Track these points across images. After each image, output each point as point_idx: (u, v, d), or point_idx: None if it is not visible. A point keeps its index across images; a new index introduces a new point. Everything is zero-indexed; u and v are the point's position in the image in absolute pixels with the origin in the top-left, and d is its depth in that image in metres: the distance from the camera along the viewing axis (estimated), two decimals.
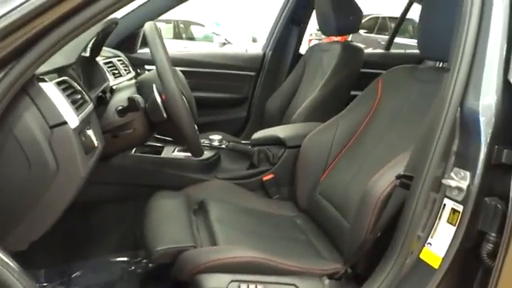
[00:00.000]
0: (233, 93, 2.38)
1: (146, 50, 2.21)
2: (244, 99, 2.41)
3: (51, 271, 1.33)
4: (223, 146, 1.61)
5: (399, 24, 2.74)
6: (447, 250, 0.86)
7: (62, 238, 1.35)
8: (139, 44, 2.19)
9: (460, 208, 0.86)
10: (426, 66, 1.30)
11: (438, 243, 0.89)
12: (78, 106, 0.80)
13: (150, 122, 1.04)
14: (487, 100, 0.84)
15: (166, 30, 8.80)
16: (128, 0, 0.75)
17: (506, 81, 0.84)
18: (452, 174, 0.88)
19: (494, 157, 0.83)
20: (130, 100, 1.00)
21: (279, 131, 1.63)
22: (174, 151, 1.56)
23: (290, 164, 1.55)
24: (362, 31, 7.11)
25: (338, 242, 1.24)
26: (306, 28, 2.37)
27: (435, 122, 0.89)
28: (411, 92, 1.31)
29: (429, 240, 0.91)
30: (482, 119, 0.84)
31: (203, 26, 9.19)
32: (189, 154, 1.55)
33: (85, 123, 0.80)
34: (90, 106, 0.87)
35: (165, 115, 1.02)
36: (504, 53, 0.84)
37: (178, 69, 2.24)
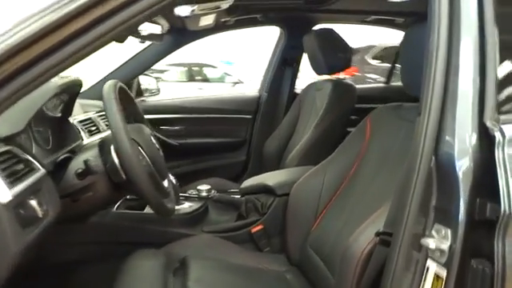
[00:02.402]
0: (231, 137, 2.35)
1: (141, 100, 2.24)
2: (243, 142, 2.36)
3: None
4: (208, 196, 1.54)
5: (397, 55, 2.68)
6: None
7: None
8: (134, 95, 2.20)
9: (444, 272, 0.75)
10: (410, 105, 1.22)
11: None
12: (18, 176, 0.76)
13: (113, 183, 0.99)
14: (463, 146, 0.75)
15: (181, 74, 9.07)
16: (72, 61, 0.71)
17: (481, 123, 0.75)
18: (433, 232, 0.77)
19: (477, 211, 0.73)
20: (85, 163, 0.96)
21: (268, 178, 1.56)
22: None
23: (280, 213, 1.46)
24: (374, 61, 7.06)
25: None
26: (298, 68, 2.34)
27: (410, 171, 0.80)
28: (399, 132, 1.22)
29: None
30: (458, 168, 0.74)
31: (215, 67, 9.44)
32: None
33: (25, 194, 0.76)
34: (38, 174, 0.83)
35: (124, 176, 0.97)
36: (478, 89, 0.76)
37: (173, 116, 2.28)
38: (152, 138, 1.10)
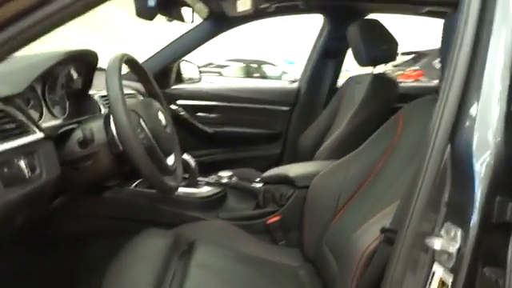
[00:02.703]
0: (267, 128, 2.29)
1: (180, 86, 2.26)
2: (278, 135, 2.30)
3: None
4: (225, 182, 1.50)
5: None
6: None
7: (51, 270, 1.33)
8: (173, 79, 2.22)
9: (449, 279, 0.64)
10: None
11: None
12: (7, 135, 0.77)
13: (113, 154, 0.98)
14: (484, 136, 0.64)
15: (240, 70, 9.22)
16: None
17: (509, 113, 0.63)
18: (442, 232, 0.67)
19: (496, 212, 0.61)
20: (88, 132, 0.96)
21: (290, 169, 1.48)
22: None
23: (298, 206, 1.39)
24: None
25: None
26: (342, 61, 2.22)
27: (420, 161, 0.70)
28: None
29: None
30: (476, 160, 0.63)
31: (275, 65, 9.48)
32: (191, 191, 1.47)
33: (13, 154, 0.76)
34: (32, 137, 0.84)
35: (121, 147, 0.95)
36: (508, 74, 0.64)
37: (210, 103, 2.27)
38: (160, 114, 1.09)
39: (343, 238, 1.14)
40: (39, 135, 0.86)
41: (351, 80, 1.97)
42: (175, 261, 1.17)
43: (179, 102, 2.21)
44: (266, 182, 1.50)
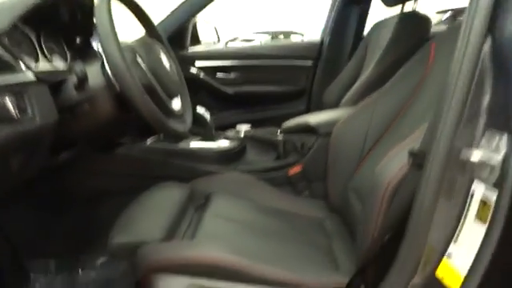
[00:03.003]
0: (289, 85, 2.18)
1: (197, 48, 2.18)
2: (302, 91, 2.18)
3: (60, 262, 1.29)
4: (241, 135, 1.41)
5: None
6: (472, 265, 0.55)
7: (71, 229, 1.31)
8: (189, 40, 2.14)
9: (493, 196, 0.53)
10: None
11: (461, 254, 0.57)
12: None
13: (112, 97, 0.92)
14: None
15: (266, 40, 9.00)
16: None
17: None
18: (483, 141, 0.56)
19: None
20: (77, 73, 0.89)
21: (311, 117, 1.38)
22: (191, 142, 1.41)
23: (321, 155, 1.29)
24: None
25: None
26: (367, 8, 2.05)
27: (453, 66, 0.59)
28: None
29: (449, 248, 0.59)
30: None
31: (302, 34, 9.21)
32: (206, 145, 1.40)
33: None
34: (20, 76, 0.78)
35: (118, 87, 0.89)
36: None
37: (229, 63, 2.17)
38: (162, 55, 1.00)
39: (369, 179, 1.04)
40: (30, 77, 0.81)
41: (378, 26, 1.82)
42: (191, 212, 1.11)
43: (197, 63, 2.13)
44: (286, 132, 1.41)
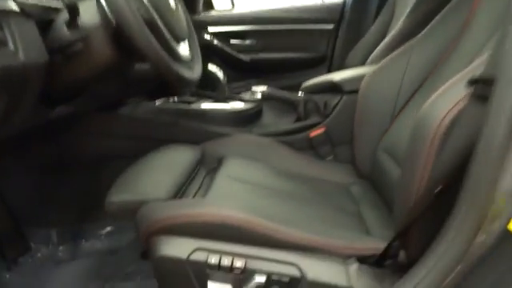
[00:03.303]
0: (309, 51, 2.02)
1: (210, 12, 2.04)
2: (323, 58, 2.03)
3: (63, 232, 1.21)
4: (258, 96, 1.28)
5: None
6: None
7: (74, 195, 1.22)
8: (201, 5, 2.01)
9: None
10: None
11: None
12: None
13: (108, 36, 0.80)
14: None
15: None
16: None
17: None
18: None
19: None
20: (68, 8, 0.77)
21: (335, 75, 1.24)
22: (203, 104, 1.29)
23: (347, 114, 1.15)
24: None
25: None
26: None
27: None
28: None
29: None
30: None
31: None
32: (219, 106, 1.27)
33: None
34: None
35: (113, 21, 0.76)
36: None
37: (245, 28, 2.03)
38: None
39: (407, 131, 0.90)
40: (11, 6, 0.69)
41: None
42: (202, 174, 1.00)
43: (210, 29, 1.99)
44: (307, 91, 1.27)
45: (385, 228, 0.84)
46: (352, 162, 1.13)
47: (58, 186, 1.19)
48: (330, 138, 1.18)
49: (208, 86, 1.40)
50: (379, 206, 0.94)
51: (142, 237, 0.71)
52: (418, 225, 0.62)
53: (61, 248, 1.18)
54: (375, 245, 0.70)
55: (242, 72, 2.03)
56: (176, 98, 1.35)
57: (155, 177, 0.86)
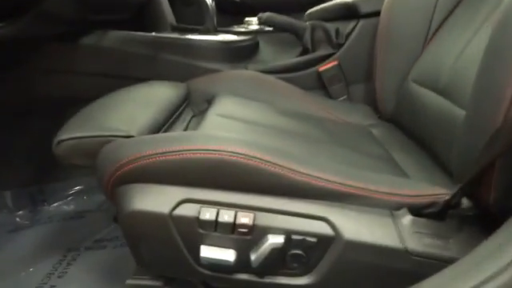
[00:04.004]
0: None
1: None
2: None
3: (19, 193, 0.99)
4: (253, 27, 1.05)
5: None
6: None
7: (31, 150, 1.00)
8: None
9: None
10: None
11: None
12: None
13: None
14: None
15: None
16: None
17: None
18: None
19: None
20: None
21: None
22: (188, 35, 1.05)
23: (364, 43, 0.95)
24: None
25: (442, 151, 0.64)
26: None
27: None
28: None
29: None
30: None
31: None
32: (207, 38, 1.04)
33: None
34: None
35: None
36: None
37: None
38: None
39: (448, 63, 0.70)
40: None
41: None
42: (189, 114, 0.79)
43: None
44: (313, 18, 1.05)
45: (426, 171, 0.66)
46: (370, 102, 0.94)
47: (11, 138, 0.97)
48: (343, 73, 0.97)
49: (193, 18, 1.16)
50: (410, 148, 0.76)
51: (106, 186, 0.50)
52: (499, 162, 0.43)
53: (19, 213, 0.97)
54: (430, 191, 0.51)
55: (233, 14, 1.78)
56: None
57: (126, 112, 0.65)
